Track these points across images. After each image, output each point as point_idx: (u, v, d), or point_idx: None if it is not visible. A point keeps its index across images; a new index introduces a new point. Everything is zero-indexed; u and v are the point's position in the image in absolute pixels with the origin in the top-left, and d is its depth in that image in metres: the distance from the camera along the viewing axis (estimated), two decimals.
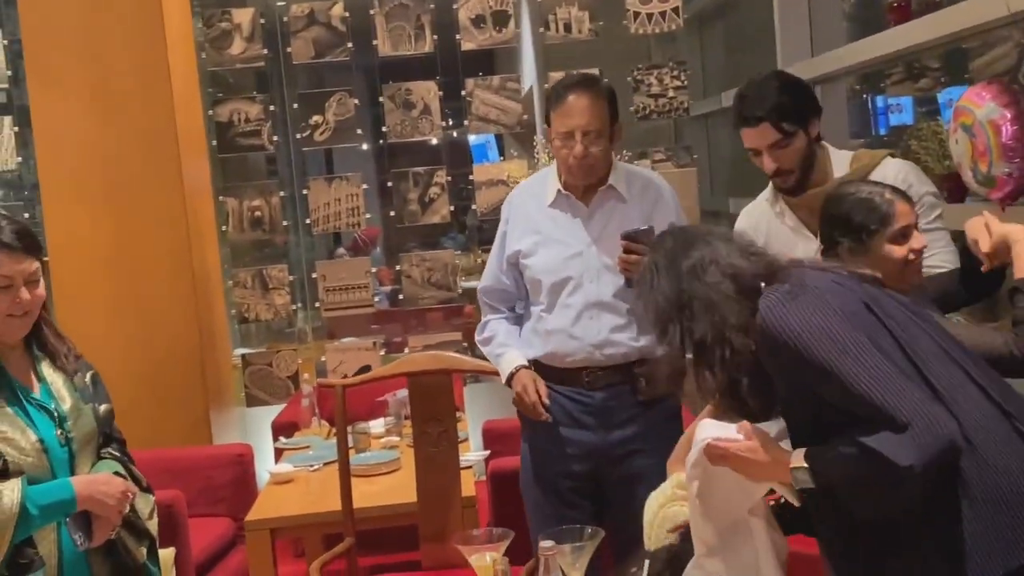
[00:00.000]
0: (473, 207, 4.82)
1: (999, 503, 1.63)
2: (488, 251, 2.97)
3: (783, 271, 1.75)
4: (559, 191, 2.73)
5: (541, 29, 4.69)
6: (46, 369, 2.25)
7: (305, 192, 4.73)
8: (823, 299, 1.67)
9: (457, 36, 4.63)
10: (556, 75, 4.62)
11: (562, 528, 1.96)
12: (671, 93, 4.67)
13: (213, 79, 4.89)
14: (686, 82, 4.69)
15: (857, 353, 1.62)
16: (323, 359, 4.81)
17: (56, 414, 2.20)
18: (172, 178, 4.21)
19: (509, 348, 2.78)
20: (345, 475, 2.93)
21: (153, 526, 2.31)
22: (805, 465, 1.67)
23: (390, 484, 3.45)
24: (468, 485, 3.20)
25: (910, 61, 4.05)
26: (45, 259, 2.30)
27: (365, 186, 4.73)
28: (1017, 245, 1.98)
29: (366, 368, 4.49)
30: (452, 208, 4.78)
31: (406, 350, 4.68)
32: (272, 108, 4.69)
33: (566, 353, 2.69)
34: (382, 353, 4.81)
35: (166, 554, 2.58)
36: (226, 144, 4.65)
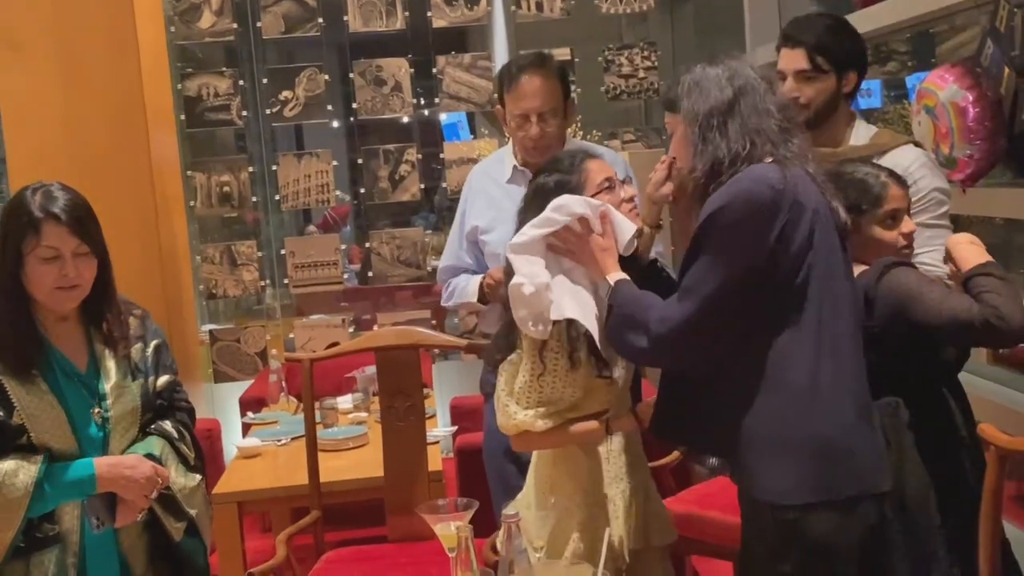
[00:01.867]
0: (444, 185, 4.83)
1: None
2: None
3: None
4: (515, 167, 2.80)
5: (513, 8, 4.69)
6: (98, 345, 2.21)
7: (275, 168, 4.72)
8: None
9: (428, 13, 4.62)
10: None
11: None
12: (641, 74, 4.69)
13: (182, 53, 4.85)
14: (657, 63, 4.72)
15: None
16: (291, 336, 4.80)
17: (98, 392, 2.18)
18: (140, 153, 4.18)
19: (471, 279, 2.85)
20: (312, 449, 2.94)
21: (196, 504, 2.27)
22: (611, 284, 2.02)
23: (357, 459, 3.46)
24: (435, 460, 3.21)
25: (877, 44, 4.09)
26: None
27: (335, 163, 4.72)
28: (955, 249, 2.10)
29: (335, 345, 4.49)
30: (423, 186, 4.78)
31: (375, 327, 4.69)
32: (241, 83, 4.67)
33: None
34: (351, 330, 4.81)
35: None
36: (195, 119, 4.63)
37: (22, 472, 2.06)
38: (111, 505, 2.15)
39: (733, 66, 2.00)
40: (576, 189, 2.16)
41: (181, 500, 2.24)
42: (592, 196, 2.15)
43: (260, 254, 4.76)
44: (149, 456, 2.20)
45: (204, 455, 2.42)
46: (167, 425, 2.29)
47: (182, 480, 2.25)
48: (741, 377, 1.91)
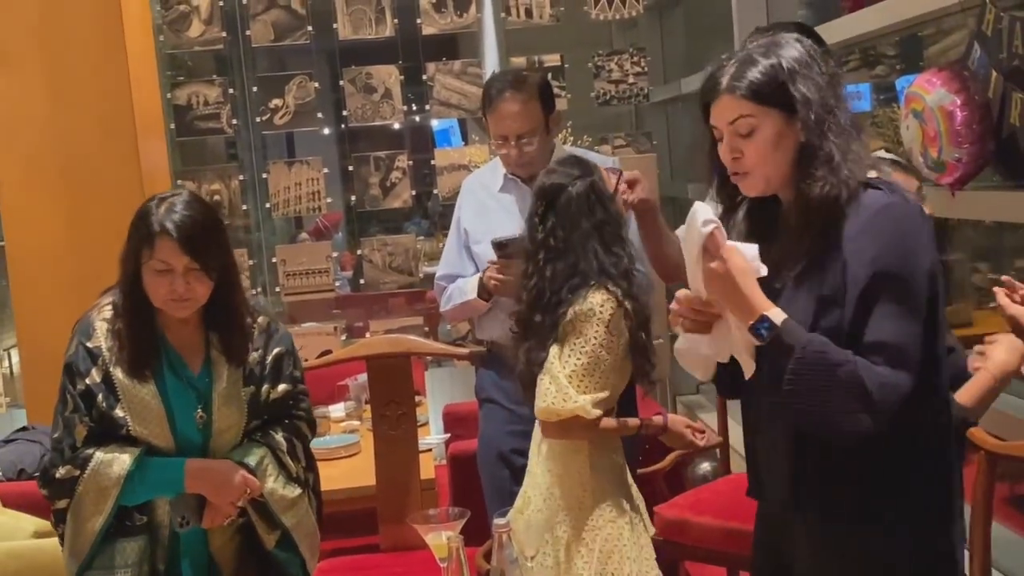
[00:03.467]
0: (435, 192, 4.82)
1: None
2: None
3: None
4: (506, 176, 2.82)
5: (503, 14, 4.69)
6: (214, 351, 2.22)
7: (265, 176, 4.71)
8: None
9: (418, 20, 4.62)
10: (517, 60, 4.65)
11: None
12: (631, 79, 4.70)
13: (171, 62, 4.85)
14: (646, 68, 4.72)
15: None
16: (300, 348, 4.78)
17: (205, 396, 2.19)
18: (129, 161, 4.17)
19: (469, 279, 2.85)
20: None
21: (295, 516, 2.27)
22: (778, 324, 1.61)
23: (350, 467, 3.46)
24: (428, 468, 3.22)
25: (866, 48, 4.10)
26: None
27: (326, 170, 4.71)
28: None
29: (327, 353, 4.48)
30: (414, 193, 4.78)
31: (367, 335, 4.68)
32: (231, 91, 4.66)
33: None
34: (343, 338, 4.80)
35: None
36: (184, 127, 4.62)
37: (116, 463, 2.11)
38: (199, 506, 2.17)
39: (808, 44, 1.74)
40: (606, 190, 2.22)
41: (276, 510, 2.24)
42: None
43: (251, 262, 4.75)
44: (243, 465, 2.20)
45: (317, 468, 2.42)
46: (277, 435, 2.29)
47: (281, 491, 2.25)
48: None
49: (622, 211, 2.32)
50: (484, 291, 2.78)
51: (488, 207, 2.84)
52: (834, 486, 1.69)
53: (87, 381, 2.14)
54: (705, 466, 4.06)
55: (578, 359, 2.15)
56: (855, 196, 1.66)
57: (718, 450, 3.61)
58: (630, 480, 2.32)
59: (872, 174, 1.71)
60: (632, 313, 2.17)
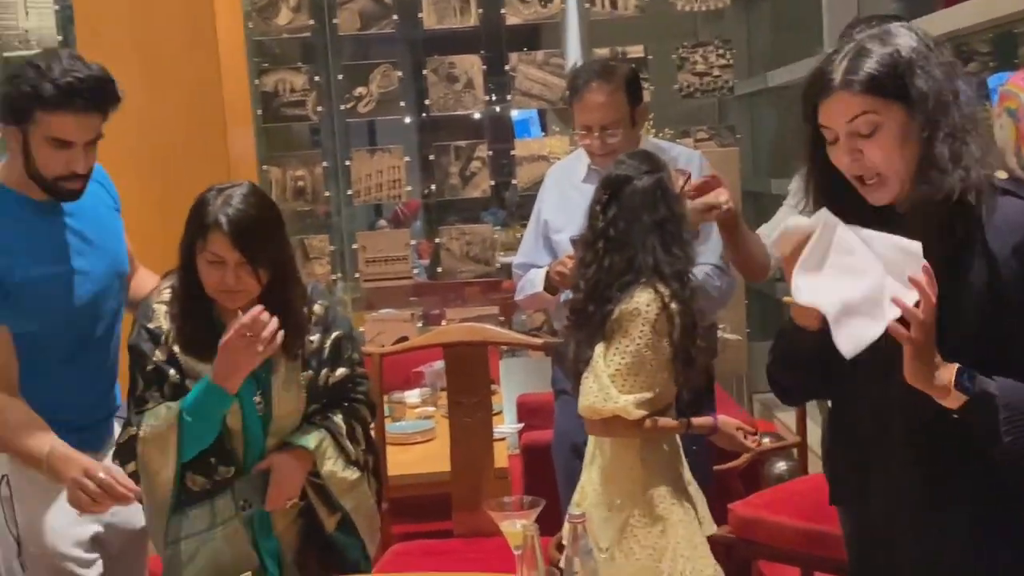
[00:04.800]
0: (514, 182, 4.83)
1: None
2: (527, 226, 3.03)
3: None
4: (590, 167, 2.80)
5: (587, 4, 4.67)
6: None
7: (348, 163, 4.77)
8: None
9: (502, 10, 4.63)
10: (601, 51, 4.63)
11: None
12: (716, 72, 4.64)
13: (259, 49, 4.93)
14: (731, 61, 4.66)
15: None
16: (361, 329, 4.85)
17: (263, 381, 2.21)
18: (217, 147, 4.26)
19: (539, 271, 2.85)
20: (380, 442, 2.97)
21: (354, 499, 2.29)
22: (994, 393, 1.49)
23: (424, 453, 3.49)
24: (501, 456, 3.23)
25: (959, 44, 3.99)
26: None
27: (407, 158, 4.76)
28: None
29: (403, 339, 4.53)
30: (493, 183, 4.79)
31: (443, 322, 4.72)
32: (317, 79, 4.72)
33: None
34: (419, 325, 4.84)
35: None
36: (271, 114, 4.69)
37: (165, 409, 2.14)
38: (262, 489, 2.19)
39: (922, 32, 1.61)
40: (670, 185, 2.19)
41: (336, 493, 2.26)
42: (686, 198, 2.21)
43: (332, 248, 4.82)
44: (302, 447, 2.22)
45: (379, 451, 2.44)
46: (336, 418, 2.30)
47: (340, 473, 2.26)
48: None
49: (686, 212, 2.26)
50: (550, 284, 2.78)
51: (569, 198, 2.83)
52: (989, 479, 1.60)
53: (154, 359, 2.17)
54: (781, 465, 4.01)
55: (622, 359, 2.14)
56: (989, 200, 1.55)
57: (795, 450, 3.56)
58: (687, 477, 2.29)
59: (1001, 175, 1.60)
60: (677, 316, 2.13)
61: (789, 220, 1.63)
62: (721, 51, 4.64)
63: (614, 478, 2.23)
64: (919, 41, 1.59)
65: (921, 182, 1.56)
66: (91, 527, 2.29)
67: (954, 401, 1.53)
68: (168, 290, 2.23)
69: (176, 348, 2.18)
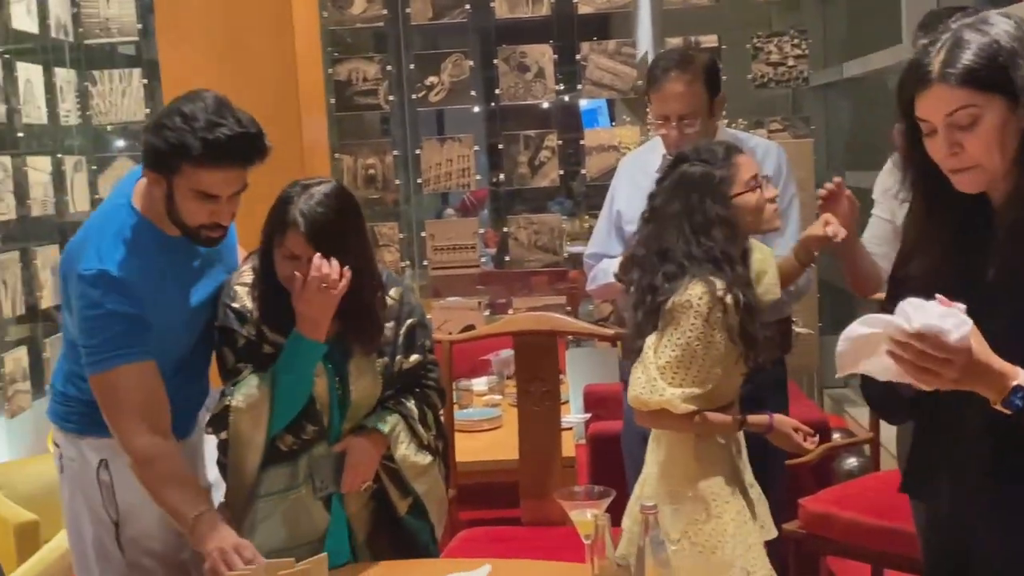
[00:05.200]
0: (582, 172, 4.82)
1: None
2: (596, 216, 3.01)
3: None
4: (664, 156, 2.76)
5: None
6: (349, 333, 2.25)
7: (417, 152, 4.80)
8: None
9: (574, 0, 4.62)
10: (673, 41, 4.59)
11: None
12: (791, 62, 4.58)
13: (333, 38, 4.98)
14: (807, 51, 4.59)
15: None
16: (428, 317, 4.88)
17: (339, 367, 2.24)
18: (292, 134, 4.30)
19: (613, 260, 2.81)
20: (448, 429, 2.99)
21: (426, 484, 2.32)
22: None
23: (491, 440, 3.52)
24: (568, 446, 3.24)
25: None
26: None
27: (476, 148, 4.77)
28: None
29: (470, 327, 4.56)
30: (561, 172, 4.79)
31: (510, 311, 4.73)
32: (389, 68, 4.76)
33: None
34: (486, 314, 4.87)
35: None
36: (344, 103, 4.75)
37: (255, 375, 2.17)
38: (337, 471, 2.23)
39: (1018, 19, 1.57)
40: (722, 184, 2.16)
41: (408, 477, 2.29)
42: (738, 194, 2.16)
43: (402, 236, 4.86)
44: (377, 431, 2.25)
45: (448, 438, 2.46)
46: (409, 402, 2.32)
47: (412, 458, 2.29)
48: None
49: (729, 215, 2.17)
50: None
51: (643, 188, 2.79)
52: None
53: (244, 335, 2.20)
54: (852, 461, 3.96)
55: (672, 351, 2.11)
56: None
57: (867, 446, 3.51)
58: (749, 478, 2.25)
59: None
60: (734, 305, 2.09)
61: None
62: (796, 41, 4.58)
63: (670, 472, 2.21)
64: (1017, 28, 1.54)
65: (1020, 175, 1.53)
66: None
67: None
68: (249, 271, 2.27)
69: (262, 326, 2.22)
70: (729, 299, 2.10)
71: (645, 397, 2.13)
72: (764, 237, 2.40)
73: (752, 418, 2.21)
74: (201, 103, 2.11)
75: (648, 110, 2.88)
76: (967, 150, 1.55)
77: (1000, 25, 1.54)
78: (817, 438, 2.28)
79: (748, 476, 2.26)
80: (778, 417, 2.24)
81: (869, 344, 1.52)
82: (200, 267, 2.29)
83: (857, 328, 1.53)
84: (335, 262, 2.12)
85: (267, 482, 2.20)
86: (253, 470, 2.20)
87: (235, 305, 2.23)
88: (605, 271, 2.88)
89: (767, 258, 2.38)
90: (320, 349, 2.17)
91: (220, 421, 2.19)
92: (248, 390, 2.17)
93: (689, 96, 2.68)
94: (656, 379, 2.11)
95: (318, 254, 2.11)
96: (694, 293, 2.10)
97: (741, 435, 2.26)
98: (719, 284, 2.10)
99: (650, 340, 2.15)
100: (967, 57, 1.52)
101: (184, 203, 2.13)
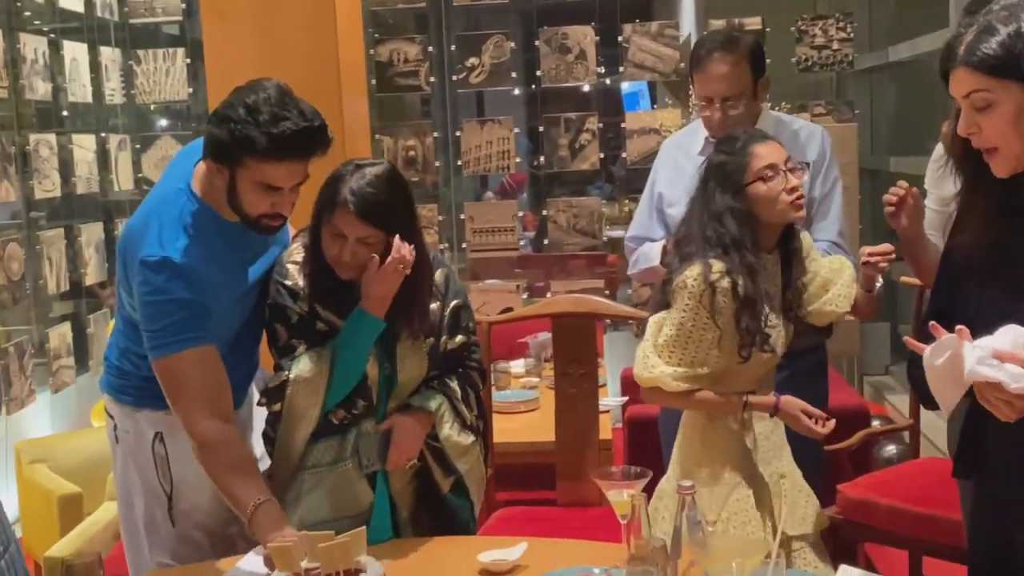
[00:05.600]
0: (623, 155, 4.80)
1: None
2: (636, 200, 3.00)
3: None
4: (707, 139, 2.75)
5: None
6: (395, 310, 2.25)
7: (458, 134, 4.80)
8: None
9: None
10: (716, 23, 4.55)
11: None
12: (835, 45, 4.52)
13: (374, 19, 4.99)
14: (852, 34, 4.53)
15: None
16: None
17: (387, 348, 2.25)
18: (333, 115, 4.26)
19: (655, 244, 2.83)
20: (487, 410, 3.00)
21: (468, 463, 2.34)
22: None
23: (528, 422, 3.52)
24: (605, 428, 3.24)
25: None
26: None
27: (516, 130, 4.76)
28: None
29: (508, 310, 4.56)
30: (602, 155, 4.77)
31: (548, 295, 4.73)
32: (430, 49, 4.76)
33: None
34: (524, 296, 4.87)
35: None
36: (384, 83, 4.76)
37: (316, 354, 2.20)
38: (383, 449, 2.25)
39: None
40: (734, 173, 2.15)
41: (452, 456, 2.31)
42: (749, 183, 2.13)
43: (441, 218, 4.87)
44: (423, 409, 2.27)
45: (487, 417, 2.47)
46: (453, 383, 2.34)
47: (456, 437, 2.31)
48: None
49: (737, 204, 2.16)
50: (665, 258, 2.75)
51: (685, 170, 2.78)
52: None
53: (297, 311, 2.23)
54: (891, 448, 3.92)
55: (669, 330, 2.12)
56: None
57: (906, 433, 3.48)
58: (770, 469, 2.21)
59: None
60: (730, 289, 2.08)
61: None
62: (841, 24, 4.52)
63: (685, 455, 2.22)
64: None
65: None
66: None
67: None
68: (299, 249, 2.29)
69: (314, 304, 2.24)
70: (725, 283, 2.08)
71: (639, 372, 2.16)
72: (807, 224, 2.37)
73: (755, 399, 2.19)
74: (264, 94, 2.09)
75: (691, 92, 2.84)
76: (984, 131, 1.61)
77: None
78: (833, 423, 2.19)
79: (772, 468, 2.22)
80: (785, 398, 2.19)
81: (953, 366, 1.56)
82: (256, 249, 2.31)
83: (932, 360, 1.58)
84: (406, 244, 2.15)
85: (315, 454, 2.23)
86: (302, 444, 2.22)
87: (287, 283, 2.25)
88: (646, 255, 2.86)
89: (844, 270, 2.31)
90: (380, 326, 2.19)
91: (276, 393, 2.21)
92: (307, 364, 2.19)
93: (733, 77, 2.65)
94: (650, 355, 2.15)
95: (397, 236, 2.14)
96: (689, 274, 2.11)
97: (765, 426, 2.23)
98: (717, 266, 2.09)
99: (655, 318, 2.17)
100: (989, 45, 1.58)
101: (246, 194, 2.14)
